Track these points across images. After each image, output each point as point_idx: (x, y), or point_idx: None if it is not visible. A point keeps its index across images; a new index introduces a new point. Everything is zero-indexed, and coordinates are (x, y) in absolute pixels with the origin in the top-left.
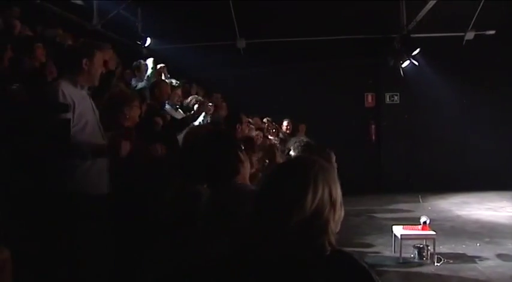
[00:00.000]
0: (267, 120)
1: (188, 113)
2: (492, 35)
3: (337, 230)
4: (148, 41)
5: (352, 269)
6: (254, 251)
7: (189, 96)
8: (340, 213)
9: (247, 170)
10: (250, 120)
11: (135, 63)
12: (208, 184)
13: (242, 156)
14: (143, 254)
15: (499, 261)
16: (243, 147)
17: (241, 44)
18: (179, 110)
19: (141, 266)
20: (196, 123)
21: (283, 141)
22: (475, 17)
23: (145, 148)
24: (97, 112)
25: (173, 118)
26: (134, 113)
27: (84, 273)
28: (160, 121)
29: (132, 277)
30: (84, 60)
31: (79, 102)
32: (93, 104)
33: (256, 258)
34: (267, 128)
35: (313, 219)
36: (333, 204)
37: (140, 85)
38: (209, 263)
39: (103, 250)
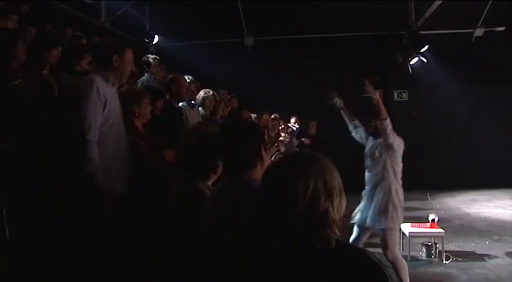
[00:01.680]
0: (275, 116)
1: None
2: (502, 31)
3: (339, 218)
4: (156, 38)
5: (363, 264)
6: (259, 246)
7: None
8: (339, 201)
9: (263, 166)
10: (253, 115)
11: (144, 58)
12: (222, 176)
13: (263, 151)
14: (149, 254)
15: (508, 259)
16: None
17: (249, 41)
18: (197, 107)
19: (147, 266)
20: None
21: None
22: (484, 14)
23: (158, 151)
24: (122, 112)
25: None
26: (143, 110)
27: (92, 272)
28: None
29: (138, 277)
30: (114, 57)
31: (110, 98)
32: (120, 104)
33: (261, 254)
34: (274, 125)
35: (310, 210)
36: (329, 193)
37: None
38: (214, 260)
39: (112, 249)
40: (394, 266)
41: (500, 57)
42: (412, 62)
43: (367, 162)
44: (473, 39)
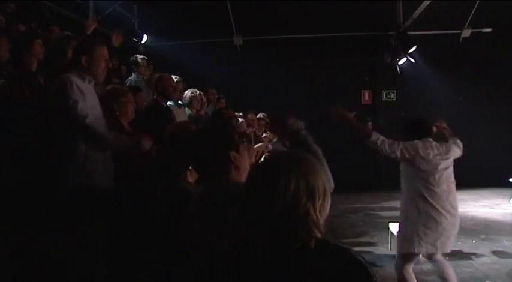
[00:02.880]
0: (263, 115)
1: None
2: (489, 32)
3: (323, 220)
4: (145, 38)
5: (347, 263)
6: (241, 246)
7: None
8: (323, 202)
9: (243, 168)
10: (240, 114)
11: (132, 58)
12: (200, 181)
13: (234, 155)
14: (136, 252)
15: (494, 258)
16: (242, 145)
17: (238, 41)
18: (183, 106)
19: (134, 265)
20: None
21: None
22: (471, 15)
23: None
24: (101, 109)
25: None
26: (126, 108)
27: (79, 270)
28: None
29: (125, 276)
30: (83, 58)
31: (88, 95)
32: (98, 101)
33: (243, 254)
34: (260, 124)
35: (290, 210)
36: (311, 194)
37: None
38: (200, 260)
39: (100, 247)
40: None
41: (487, 58)
42: (400, 62)
43: None
44: (460, 40)
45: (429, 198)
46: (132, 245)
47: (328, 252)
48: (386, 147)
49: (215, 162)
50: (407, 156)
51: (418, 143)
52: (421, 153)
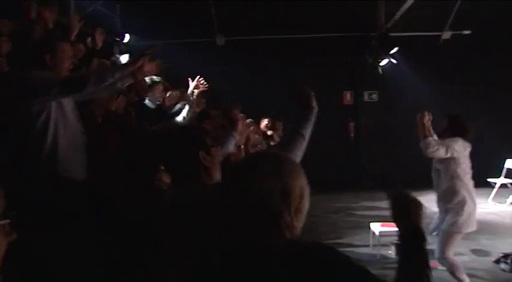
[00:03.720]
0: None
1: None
2: (468, 34)
3: (300, 224)
4: (127, 37)
5: (316, 264)
6: (215, 247)
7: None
8: (299, 206)
9: (215, 170)
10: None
11: (112, 58)
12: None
13: (204, 156)
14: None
15: (473, 256)
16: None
17: (221, 41)
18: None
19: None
20: (180, 117)
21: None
22: (451, 17)
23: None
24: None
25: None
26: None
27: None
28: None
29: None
30: (47, 57)
31: None
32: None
33: (217, 255)
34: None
35: (263, 211)
36: (286, 196)
37: None
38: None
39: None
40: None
41: (467, 59)
42: (382, 63)
43: None
44: (441, 42)
45: (470, 187)
46: (103, 245)
47: (296, 254)
48: (439, 147)
49: (183, 163)
50: (455, 154)
51: (459, 140)
52: (462, 148)
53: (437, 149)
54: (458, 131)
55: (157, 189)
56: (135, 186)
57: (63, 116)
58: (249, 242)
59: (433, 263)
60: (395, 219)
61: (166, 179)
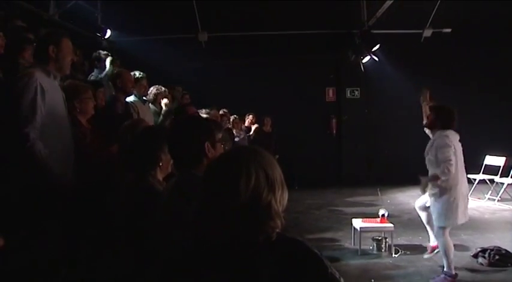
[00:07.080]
0: (224, 112)
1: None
2: (449, 33)
3: (282, 210)
4: (109, 32)
5: (304, 255)
6: (202, 241)
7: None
8: (281, 193)
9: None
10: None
11: (94, 54)
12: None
13: (209, 147)
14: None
15: (454, 252)
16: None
17: (203, 37)
18: (148, 103)
19: (98, 264)
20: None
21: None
22: (432, 15)
23: (104, 145)
24: (66, 105)
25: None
26: (86, 105)
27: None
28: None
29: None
30: (51, 48)
31: (51, 91)
32: (64, 97)
33: (204, 249)
34: (222, 120)
35: (253, 203)
36: (271, 186)
37: (100, 76)
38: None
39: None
40: None
41: (447, 57)
42: (364, 60)
43: None
44: (422, 40)
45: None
46: (94, 245)
47: (285, 245)
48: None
49: (189, 148)
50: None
51: (449, 134)
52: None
53: (450, 164)
54: (447, 120)
55: (151, 187)
56: (131, 184)
57: (55, 121)
58: (241, 235)
59: (434, 245)
60: None
61: (161, 174)
